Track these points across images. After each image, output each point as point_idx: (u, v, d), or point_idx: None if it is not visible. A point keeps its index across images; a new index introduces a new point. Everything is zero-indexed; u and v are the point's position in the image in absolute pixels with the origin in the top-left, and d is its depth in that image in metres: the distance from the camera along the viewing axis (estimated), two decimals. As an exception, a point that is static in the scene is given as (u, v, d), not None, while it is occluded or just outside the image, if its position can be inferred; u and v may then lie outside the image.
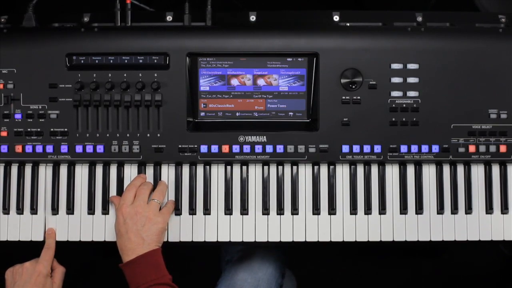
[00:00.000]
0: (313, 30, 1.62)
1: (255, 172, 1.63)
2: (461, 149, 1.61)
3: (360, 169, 1.63)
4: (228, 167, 1.62)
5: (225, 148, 1.61)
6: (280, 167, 1.62)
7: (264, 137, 1.61)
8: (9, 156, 1.61)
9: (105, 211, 1.62)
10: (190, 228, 1.61)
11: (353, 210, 1.61)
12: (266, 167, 1.62)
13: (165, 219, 1.55)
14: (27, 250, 1.59)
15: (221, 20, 1.67)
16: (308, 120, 1.63)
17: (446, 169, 1.63)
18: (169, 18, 1.67)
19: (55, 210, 1.61)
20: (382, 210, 1.61)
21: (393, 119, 1.60)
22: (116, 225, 1.53)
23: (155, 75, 1.60)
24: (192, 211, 1.61)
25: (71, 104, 1.60)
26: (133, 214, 1.51)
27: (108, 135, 1.61)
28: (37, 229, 1.61)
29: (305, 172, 1.63)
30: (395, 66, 1.60)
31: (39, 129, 1.60)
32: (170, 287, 1.46)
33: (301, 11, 1.69)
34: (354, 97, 1.60)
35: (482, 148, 1.61)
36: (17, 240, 1.61)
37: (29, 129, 1.60)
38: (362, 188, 1.63)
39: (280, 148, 1.61)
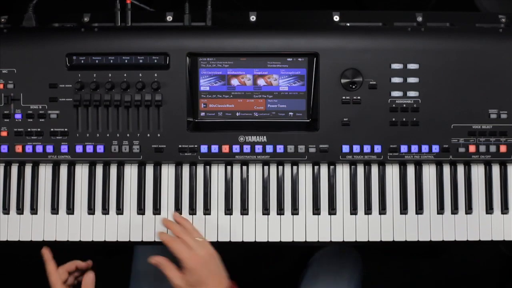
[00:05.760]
0: (313, 30, 1.62)
1: (255, 172, 1.63)
2: (461, 149, 1.61)
3: (360, 169, 1.63)
4: (228, 167, 1.62)
5: (225, 148, 1.61)
6: (280, 167, 1.62)
7: (264, 137, 1.61)
8: (9, 156, 1.61)
9: (105, 211, 1.61)
10: (190, 228, 1.61)
11: (353, 210, 1.61)
12: (266, 167, 1.62)
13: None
14: (27, 250, 1.59)
15: (221, 20, 1.67)
16: (308, 120, 1.63)
17: (446, 169, 1.63)
18: (169, 18, 1.67)
19: (55, 210, 1.61)
20: (382, 210, 1.61)
21: (393, 119, 1.60)
22: (197, 277, 1.46)
23: (155, 75, 1.60)
24: (192, 211, 1.61)
25: (71, 104, 1.60)
26: (202, 260, 1.49)
27: (108, 135, 1.61)
28: (37, 229, 1.61)
29: (305, 172, 1.63)
30: (395, 66, 1.60)
31: (39, 129, 1.60)
32: None
33: (301, 11, 1.69)
34: (354, 97, 1.60)
35: (482, 148, 1.61)
36: (17, 240, 1.61)
37: (29, 129, 1.60)
38: (362, 188, 1.63)
39: (280, 148, 1.61)
